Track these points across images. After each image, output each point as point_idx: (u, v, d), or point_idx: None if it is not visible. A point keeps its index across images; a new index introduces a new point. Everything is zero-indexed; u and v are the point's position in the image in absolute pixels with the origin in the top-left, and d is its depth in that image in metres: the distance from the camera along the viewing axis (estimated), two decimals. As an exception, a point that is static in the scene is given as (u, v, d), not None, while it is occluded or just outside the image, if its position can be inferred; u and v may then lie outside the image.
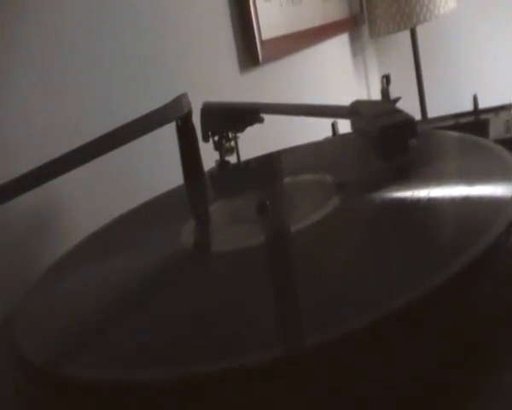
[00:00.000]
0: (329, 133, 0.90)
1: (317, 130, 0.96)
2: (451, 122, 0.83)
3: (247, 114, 0.58)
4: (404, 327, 0.23)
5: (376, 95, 2.05)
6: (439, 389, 0.22)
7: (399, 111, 0.42)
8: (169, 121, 0.53)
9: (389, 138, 0.40)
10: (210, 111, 0.58)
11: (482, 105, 0.85)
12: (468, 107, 0.88)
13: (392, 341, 0.23)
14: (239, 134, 0.59)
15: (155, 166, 0.73)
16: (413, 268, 0.27)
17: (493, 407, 0.22)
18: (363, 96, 1.93)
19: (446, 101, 2.02)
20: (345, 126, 0.54)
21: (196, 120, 0.57)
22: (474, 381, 0.23)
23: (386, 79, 1.11)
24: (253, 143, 0.72)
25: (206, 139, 0.58)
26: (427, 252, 0.28)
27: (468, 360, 0.24)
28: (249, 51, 1.04)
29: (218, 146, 0.58)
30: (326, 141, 0.75)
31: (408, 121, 0.41)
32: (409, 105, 0.52)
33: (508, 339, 0.25)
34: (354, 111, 0.47)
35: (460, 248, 0.26)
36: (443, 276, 0.24)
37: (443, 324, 0.24)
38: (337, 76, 1.64)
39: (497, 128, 0.73)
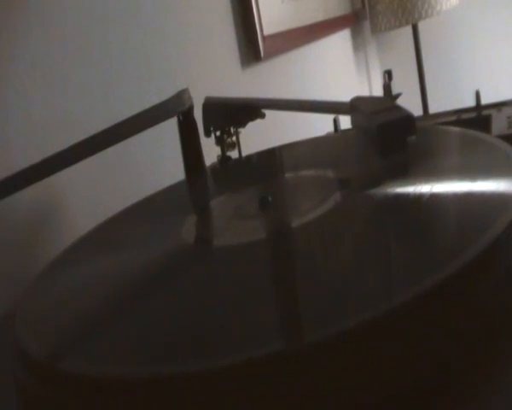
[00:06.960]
0: (331, 129, 0.90)
1: (319, 125, 0.96)
2: (453, 118, 0.82)
3: (249, 110, 0.57)
4: (405, 325, 0.23)
5: (378, 91, 2.05)
6: (439, 389, 0.22)
7: (398, 108, 0.42)
8: (170, 116, 0.53)
9: (388, 135, 0.40)
10: (212, 106, 0.58)
11: (484, 101, 0.85)
12: (471, 102, 0.88)
13: (393, 339, 0.23)
14: (240, 129, 0.59)
15: (157, 161, 0.73)
16: (414, 266, 0.27)
17: (493, 407, 0.22)
18: (365, 92, 1.92)
19: (448, 96, 2.02)
20: (347, 122, 0.54)
21: (198, 115, 0.57)
22: (474, 381, 0.23)
23: (388, 75, 1.11)
24: (255, 138, 0.72)
25: (207, 134, 0.58)
26: (427, 249, 0.28)
27: (468, 360, 0.24)
28: (251, 46, 1.04)
29: (219, 141, 0.58)
30: (328, 136, 0.75)
31: (407, 118, 0.40)
32: (410, 101, 0.52)
33: (508, 339, 0.25)
34: (354, 107, 0.47)
35: (461, 246, 0.26)
36: (443, 274, 0.24)
37: (443, 323, 0.24)
38: (339, 72, 1.64)
39: (499, 124, 0.72)
